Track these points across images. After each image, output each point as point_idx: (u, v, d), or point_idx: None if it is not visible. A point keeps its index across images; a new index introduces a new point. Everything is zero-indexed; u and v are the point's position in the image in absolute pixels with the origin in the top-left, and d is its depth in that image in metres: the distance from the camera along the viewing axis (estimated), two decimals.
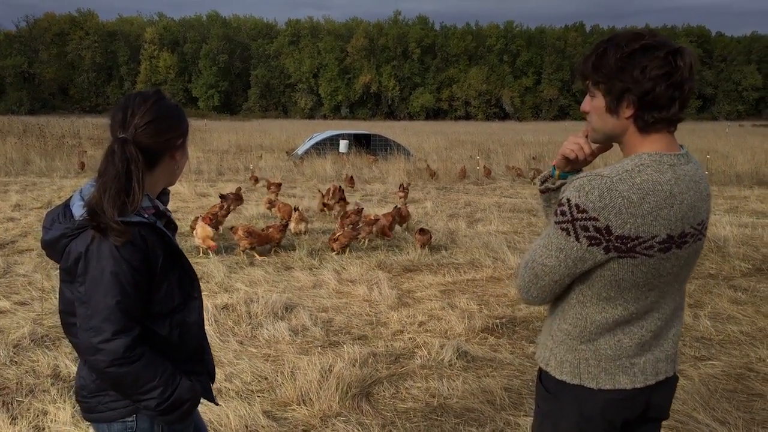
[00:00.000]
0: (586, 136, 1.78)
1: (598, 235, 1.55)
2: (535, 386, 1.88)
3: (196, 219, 8.21)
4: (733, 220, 10.06)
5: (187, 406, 1.83)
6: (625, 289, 1.62)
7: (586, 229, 1.56)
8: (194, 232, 7.87)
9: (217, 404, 2.20)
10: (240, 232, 7.60)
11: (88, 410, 1.86)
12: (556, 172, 1.86)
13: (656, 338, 1.69)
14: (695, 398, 3.94)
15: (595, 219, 1.55)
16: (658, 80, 1.54)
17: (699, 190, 1.63)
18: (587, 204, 1.55)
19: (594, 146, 1.79)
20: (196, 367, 1.98)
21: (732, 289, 6.49)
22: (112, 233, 1.68)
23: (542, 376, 1.81)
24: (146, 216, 1.77)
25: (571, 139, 1.81)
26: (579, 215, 1.56)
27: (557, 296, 1.75)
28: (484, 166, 17.60)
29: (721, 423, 3.68)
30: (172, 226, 1.97)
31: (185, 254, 1.93)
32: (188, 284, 1.90)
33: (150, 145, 1.80)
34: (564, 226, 1.60)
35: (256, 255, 7.64)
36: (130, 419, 1.83)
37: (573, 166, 1.82)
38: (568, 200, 1.59)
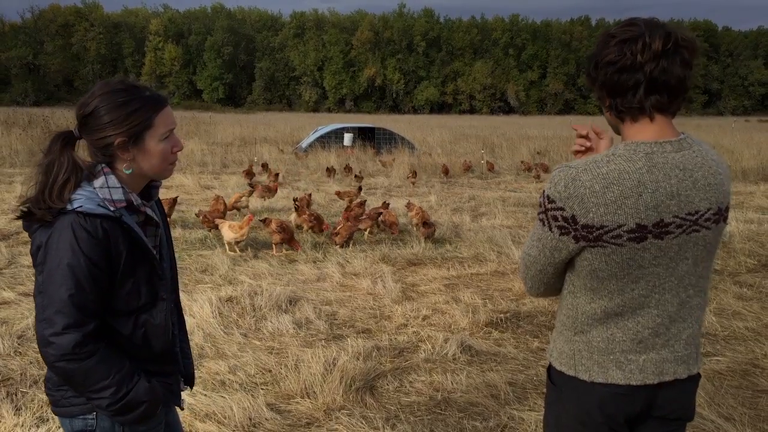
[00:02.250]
0: (598, 133, 1.81)
1: (566, 224, 1.59)
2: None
3: (211, 221, 7.70)
4: (739, 216, 10.02)
5: (144, 408, 1.74)
6: (604, 279, 1.62)
7: (555, 218, 1.60)
8: (223, 235, 7.38)
9: (182, 408, 2.09)
10: (273, 226, 7.39)
11: (54, 403, 1.79)
12: None
13: (658, 337, 1.65)
14: (700, 394, 3.92)
15: (562, 209, 1.58)
16: (606, 68, 1.58)
17: (692, 178, 1.57)
18: (554, 194, 1.59)
19: (606, 139, 1.81)
20: (167, 368, 1.89)
21: (737, 285, 6.46)
22: (48, 218, 1.65)
23: (549, 366, 1.83)
24: (112, 209, 1.68)
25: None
26: (549, 205, 1.61)
27: (557, 288, 1.76)
28: (487, 161, 17.54)
29: (727, 419, 3.66)
30: (152, 222, 1.86)
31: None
32: (157, 284, 1.81)
33: (90, 140, 1.74)
34: (540, 216, 1.65)
35: (273, 251, 7.49)
36: (90, 416, 1.75)
37: None
38: (543, 191, 1.64)
